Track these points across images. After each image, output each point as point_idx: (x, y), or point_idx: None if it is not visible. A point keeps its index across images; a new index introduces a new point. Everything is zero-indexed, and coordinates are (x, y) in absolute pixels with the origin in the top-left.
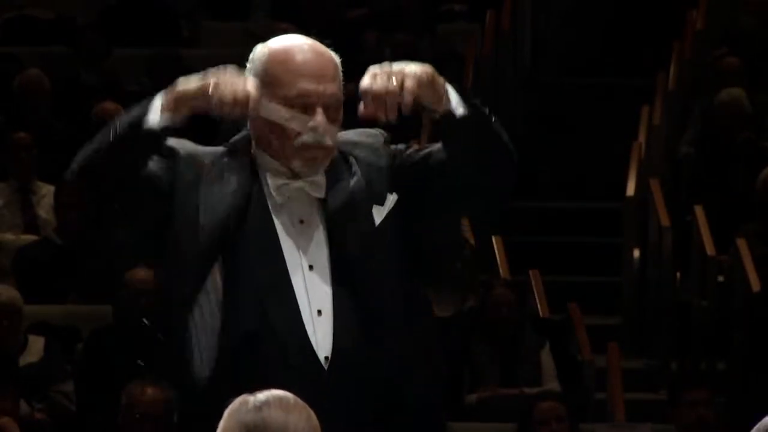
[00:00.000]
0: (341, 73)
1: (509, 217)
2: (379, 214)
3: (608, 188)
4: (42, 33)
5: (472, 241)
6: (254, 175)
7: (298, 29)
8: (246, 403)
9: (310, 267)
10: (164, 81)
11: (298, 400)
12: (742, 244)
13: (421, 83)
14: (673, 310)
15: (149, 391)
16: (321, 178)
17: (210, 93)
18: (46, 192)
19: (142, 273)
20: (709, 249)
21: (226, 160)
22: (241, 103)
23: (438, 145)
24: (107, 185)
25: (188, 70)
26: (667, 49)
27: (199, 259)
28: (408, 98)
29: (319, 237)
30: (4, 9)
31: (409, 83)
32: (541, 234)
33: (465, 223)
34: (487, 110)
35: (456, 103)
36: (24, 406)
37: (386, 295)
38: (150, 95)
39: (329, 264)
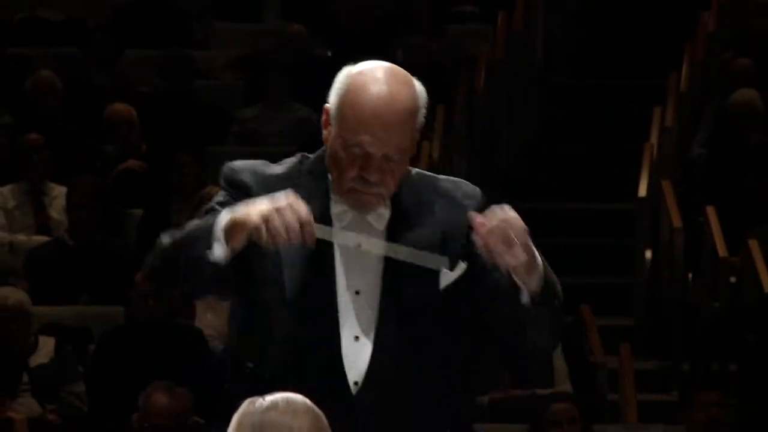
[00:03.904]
0: (419, 115)
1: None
2: (445, 279)
3: (620, 189)
4: (53, 34)
5: None
6: (327, 192)
7: (309, 31)
8: (254, 403)
9: (357, 292)
10: (176, 82)
11: (309, 404)
12: (753, 245)
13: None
14: (685, 311)
15: (162, 399)
16: (385, 211)
17: (261, 227)
18: (58, 193)
19: None
20: (721, 250)
21: (301, 181)
22: (295, 237)
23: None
24: (179, 290)
25: (199, 71)
26: (680, 50)
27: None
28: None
29: (373, 263)
30: (15, 10)
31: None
32: (552, 235)
33: None
34: (556, 304)
35: (537, 283)
36: (35, 407)
37: (435, 329)
38: (161, 98)
39: (380, 291)
